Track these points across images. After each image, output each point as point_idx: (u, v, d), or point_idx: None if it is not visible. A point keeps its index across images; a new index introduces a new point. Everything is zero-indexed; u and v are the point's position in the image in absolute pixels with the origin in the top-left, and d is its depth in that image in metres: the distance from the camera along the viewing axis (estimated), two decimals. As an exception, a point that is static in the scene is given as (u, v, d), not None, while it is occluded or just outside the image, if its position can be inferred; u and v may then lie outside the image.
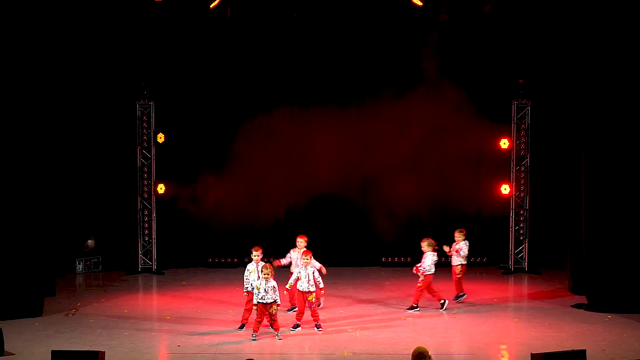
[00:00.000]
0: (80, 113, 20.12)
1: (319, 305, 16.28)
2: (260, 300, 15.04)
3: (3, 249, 16.36)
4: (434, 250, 16.83)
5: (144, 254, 20.66)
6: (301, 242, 16.67)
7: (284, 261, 16.78)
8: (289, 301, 16.73)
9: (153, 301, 18.56)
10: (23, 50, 16.39)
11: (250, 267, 15.95)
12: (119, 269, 20.75)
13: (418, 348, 10.58)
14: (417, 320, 16.33)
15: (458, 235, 17.65)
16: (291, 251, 16.79)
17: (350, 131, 20.76)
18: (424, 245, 16.91)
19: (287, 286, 16.02)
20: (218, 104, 20.69)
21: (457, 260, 17.62)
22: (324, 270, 16.17)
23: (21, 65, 16.40)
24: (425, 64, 19.74)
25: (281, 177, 20.73)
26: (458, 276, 17.61)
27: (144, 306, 17.87)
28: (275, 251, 17.77)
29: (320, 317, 15.90)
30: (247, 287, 15.90)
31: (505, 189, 20.57)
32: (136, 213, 20.60)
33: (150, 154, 20.50)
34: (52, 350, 12.86)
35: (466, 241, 17.64)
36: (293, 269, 16.47)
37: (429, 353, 10.62)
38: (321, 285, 16.20)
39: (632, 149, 16.68)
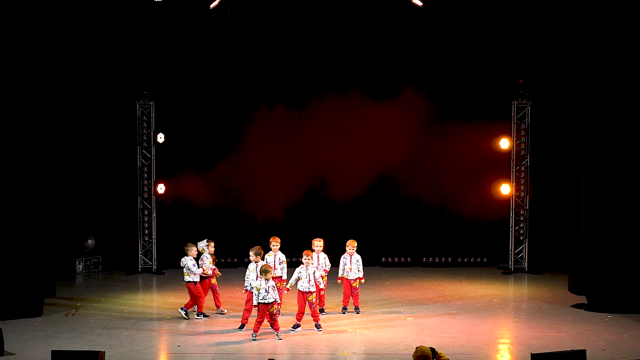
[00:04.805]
0: (81, 113, 20.13)
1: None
2: (262, 301, 15.05)
3: (3, 249, 16.36)
4: None
5: (144, 254, 20.65)
6: (275, 245, 16.43)
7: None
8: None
9: (153, 301, 18.55)
10: (23, 50, 16.40)
11: (251, 266, 16.00)
12: (119, 269, 20.75)
13: (422, 349, 10.43)
14: (417, 320, 16.33)
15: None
16: (266, 256, 16.35)
17: (350, 130, 20.72)
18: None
19: (288, 286, 16.01)
20: (218, 104, 20.68)
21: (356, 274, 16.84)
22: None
23: (21, 66, 16.41)
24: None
25: (281, 176, 20.69)
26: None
27: (144, 306, 17.85)
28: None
29: (321, 317, 15.92)
30: (246, 286, 15.94)
31: (505, 189, 20.55)
32: (136, 213, 20.59)
33: (150, 154, 20.49)
34: (52, 350, 12.88)
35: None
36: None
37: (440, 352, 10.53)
38: (321, 287, 16.20)
39: (632, 150, 16.69)
